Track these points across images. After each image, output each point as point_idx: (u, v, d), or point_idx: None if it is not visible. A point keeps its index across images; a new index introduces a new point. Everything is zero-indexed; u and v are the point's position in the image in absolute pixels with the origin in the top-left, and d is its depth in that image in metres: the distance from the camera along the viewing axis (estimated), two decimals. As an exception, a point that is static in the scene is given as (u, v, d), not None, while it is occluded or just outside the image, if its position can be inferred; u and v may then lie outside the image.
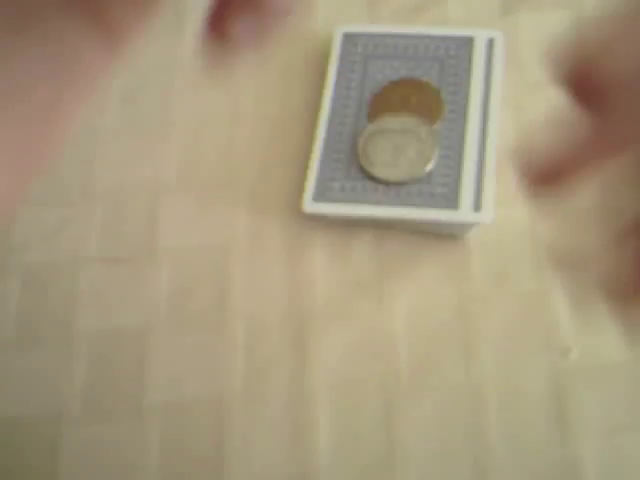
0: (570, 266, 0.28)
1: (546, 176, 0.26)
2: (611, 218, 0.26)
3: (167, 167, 0.40)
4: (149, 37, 0.23)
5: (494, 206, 0.35)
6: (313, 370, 0.34)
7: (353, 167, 0.37)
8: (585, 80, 0.25)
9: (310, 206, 0.36)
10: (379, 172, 0.36)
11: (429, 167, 0.36)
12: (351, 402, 0.34)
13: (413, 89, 0.38)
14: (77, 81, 0.25)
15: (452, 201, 0.35)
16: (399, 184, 0.36)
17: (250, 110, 0.41)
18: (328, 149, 0.38)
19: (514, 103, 0.39)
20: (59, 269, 0.38)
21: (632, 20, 0.25)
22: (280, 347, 0.35)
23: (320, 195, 0.36)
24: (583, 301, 0.28)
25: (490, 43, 0.39)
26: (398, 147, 0.37)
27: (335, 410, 0.34)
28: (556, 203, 0.26)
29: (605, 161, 0.26)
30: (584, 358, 0.33)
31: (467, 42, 0.39)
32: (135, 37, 0.24)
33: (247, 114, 0.41)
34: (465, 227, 0.36)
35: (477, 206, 0.35)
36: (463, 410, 0.33)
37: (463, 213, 0.35)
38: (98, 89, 0.24)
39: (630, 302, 0.25)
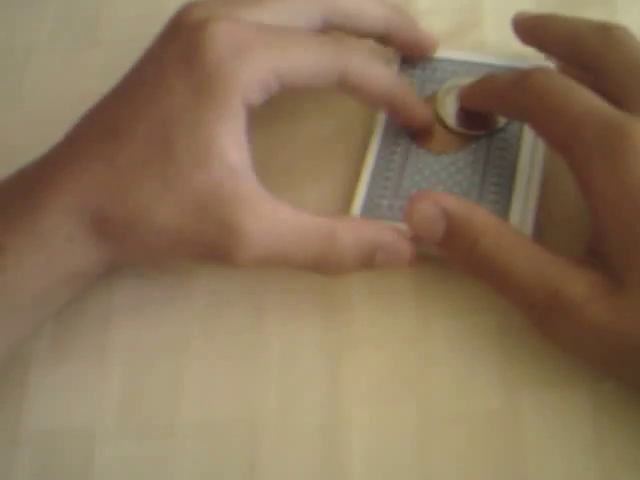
0: None
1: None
2: None
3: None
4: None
5: (534, 226, 0.35)
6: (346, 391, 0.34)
7: (402, 186, 0.37)
8: None
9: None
10: (453, 123, 0.38)
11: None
12: (385, 424, 0.34)
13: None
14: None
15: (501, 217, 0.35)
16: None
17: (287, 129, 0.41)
18: (379, 167, 0.38)
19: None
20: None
21: None
22: (313, 368, 0.35)
23: (368, 211, 0.36)
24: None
25: None
26: None
27: (368, 432, 0.33)
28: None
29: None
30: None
31: None
32: None
33: (284, 133, 0.41)
34: None
35: (522, 225, 0.35)
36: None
37: None
38: None
39: None
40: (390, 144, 0.39)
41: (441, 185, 0.37)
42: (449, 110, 0.39)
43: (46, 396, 0.36)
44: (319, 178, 0.39)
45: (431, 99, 0.39)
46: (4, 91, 0.46)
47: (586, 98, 0.32)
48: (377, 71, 0.37)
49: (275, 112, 0.41)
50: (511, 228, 0.33)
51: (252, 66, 0.34)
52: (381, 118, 0.39)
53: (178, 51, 0.34)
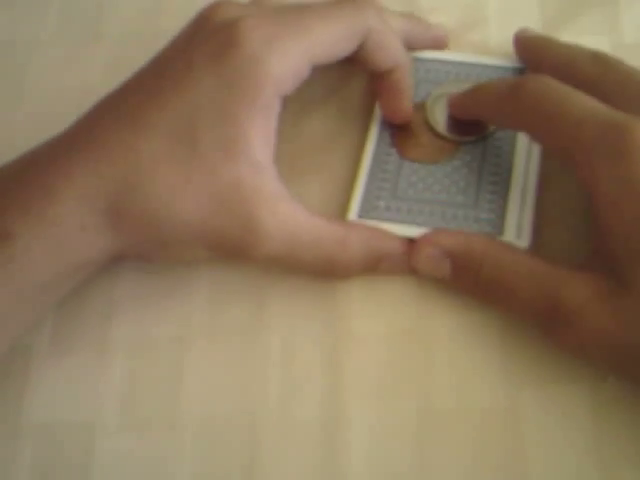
0: None
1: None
2: None
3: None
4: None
5: (532, 232, 0.35)
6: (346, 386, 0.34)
7: (399, 187, 0.37)
8: None
9: (355, 221, 0.36)
10: (443, 131, 0.38)
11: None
12: (385, 419, 0.34)
13: None
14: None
15: (497, 227, 0.35)
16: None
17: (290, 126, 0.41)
18: (375, 169, 0.38)
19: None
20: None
21: None
22: (313, 363, 0.35)
23: (365, 212, 0.37)
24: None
25: None
26: None
27: (368, 428, 0.34)
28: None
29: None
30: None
31: (519, 73, 0.40)
32: None
33: (287, 130, 0.41)
34: None
35: (519, 232, 0.35)
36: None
37: (507, 239, 0.35)
38: None
39: None
40: (387, 144, 0.39)
41: (437, 185, 0.37)
42: (439, 118, 0.39)
43: (47, 389, 0.36)
44: (320, 176, 0.39)
45: (420, 107, 0.39)
46: (7, 87, 0.45)
47: (584, 101, 0.32)
48: (393, 38, 0.37)
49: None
50: (509, 247, 0.34)
51: (283, 56, 0.34)
52: (376, 120, 0.39)
53: (207, 47, 0.34)
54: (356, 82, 0.41)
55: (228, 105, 0.33)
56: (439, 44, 0.42)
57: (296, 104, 0.41)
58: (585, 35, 0.41)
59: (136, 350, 0.36)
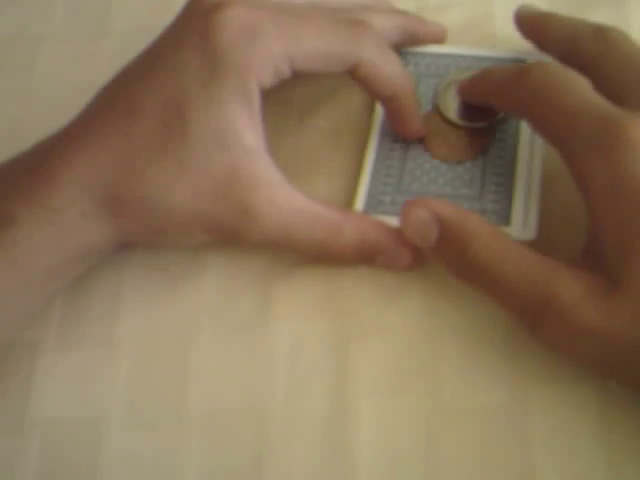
0: None
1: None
2: None
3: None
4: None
5: (538, 222, 0.35)
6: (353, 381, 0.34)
7: (404, 181, 0.37)
8: None
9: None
10: (454, 117, 0.38)
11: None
12: (392, 415, 0.34)
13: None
14: None
15: (503, 218, 0.35)
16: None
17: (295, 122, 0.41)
18: (379, 164, 0.38)
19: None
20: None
21: None
22: (321, 359, 0.35)
23: (371, 207, 0.37)
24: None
25: None
26: None
27: (375, 423, 0.33)
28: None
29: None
30: None
31: (518, 64, 0.39)
32: None
33: (292, 126, 0.41)
34: None
35: (526, 223, 0.35)
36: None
37: (514, 230, 0.35)
38: None
39: None
40: (390, 139, 0.39)
41: (442, 178, 0.37)
42: (450, 105, 0.39)
43: (53, 384, 0.36)
44: (326, 172, 0.39)
45: (432, 97, 0.39)
46: (15, 80, 0.46)
47: (584, 93, 0.32)
48: (390, 68, 0.37)
49: (284, 104, 0.41)
50: (503, 233, 0.33)
51: (264, 51, 0.34)
52: (379, 114, 0.39)
53: (193, 33, 0.35)
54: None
55: (215, 90, 0.34)
56: (438, 39, 0.41)
57: (302, 100, 0.41)
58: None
59: (143, 345, 0.36)
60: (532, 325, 0.31)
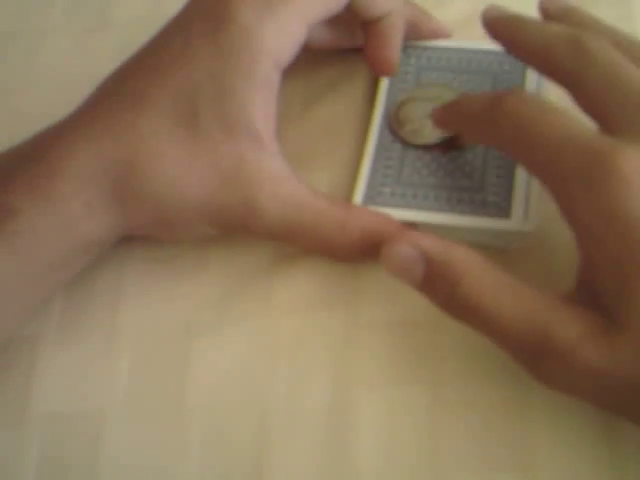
0: None
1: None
2: None
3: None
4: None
5: (539, 215, 0.35)
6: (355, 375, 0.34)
7: (404, 173, 0.37)
8: None
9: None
10: (406, 134, 0.37)
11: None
12: (394, 408, 0.33)
13: None
14: None
15: (504, 209, 0.35)
16: (426, 147, 0.37)
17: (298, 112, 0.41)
18: (379, 156, 0.38)
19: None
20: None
21: None
22: (323, 352, 0.35)
23: (370, 199, 0.36)
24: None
25: None
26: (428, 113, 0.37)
27: (378, 417, 0.33)
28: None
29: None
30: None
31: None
32: None
33: (295, 116, 0.41)
34: (515, 237, 0.35)
35: (526, 214, 0.35)
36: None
37: (514, 222, 0.35)
38: None
39: None
40: (389, 131, 0.38)
41: (442, 170, 0.37)
42: (408, 121, 0.38)
43: (54, 378, 0.36)
44: (328, 162, 0.39)
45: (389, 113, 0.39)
46: (15, 74, 0.46)
47: (564, 122, 0.30)
48: None
49: (286, 95, 0.41)
50: (492, 265, 0.30)
51: (278, 26, 0.34)
52: (380, 106, 0.39)
53: (203, 20, 0.34)
54: (363, 69, 0.41)
55: (227, 81, 0.33)
56: (442, 36, 0.41)
57: (304, 91, 0.42)
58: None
59: (144, 339, 0.36)
60: (530, 365, 0.30)
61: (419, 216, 0.36)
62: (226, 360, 0.35)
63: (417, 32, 0.40)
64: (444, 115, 0.36)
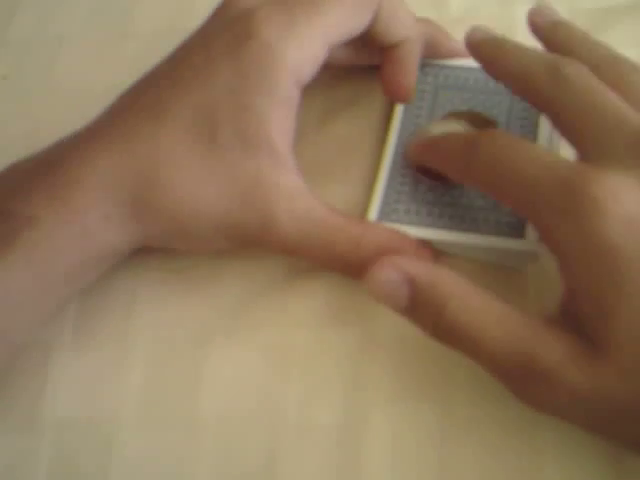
0: None
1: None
2: None
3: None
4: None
5: None
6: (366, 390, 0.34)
7: (419, 191, 0.37)
8: None
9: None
10: None
11: None
12: (406, 424, 0.34)
13: (469, 121, 0.38)
14: None
15: (518, 230, 0.35)
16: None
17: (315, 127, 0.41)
18: (394, 173, 0.38)
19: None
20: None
21: None
22: (334, 366, 0.35)
23: (385, 215, 0.37)
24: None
25: None
26: None
27: (388, 432, 0.33)
28: None
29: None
30: None
31: None
32: None
33: (312, 131, 0.41)
34: (529, 257, 0.35)
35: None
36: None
37: (528, 243, 0.35)
38: None
39: None
40: (405, 147, 0.39)
41: (457, 189, 0.37)
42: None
43: (68, 384, 0.36)
44: (343, 179, 0.40)
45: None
46: (36, 80, 0.46)
47: (535, 157, 0.30)
48: (405, 11, 0.38)
49: (303, 111, 0.41)
50: (477, 289, 0.30)
51: (299, 44, 0.34)
52: (397, 123, 0.40)
53: (225, 37, 0.35)
54: (380, 88, 0.41)
55: (246, 97, 0.34)
56: (460, 55, 0.41)
57: (321, 109, 0.42)
58: (617, 47, 0.41)
59: (157, 347, 0.37)
60: (516, 388, 0.30)
61: (433, 234, 0.36)
62: (238, 371, 0.36)
63: (435, 51, 0.40)
64: (419, 154, 0.37)
